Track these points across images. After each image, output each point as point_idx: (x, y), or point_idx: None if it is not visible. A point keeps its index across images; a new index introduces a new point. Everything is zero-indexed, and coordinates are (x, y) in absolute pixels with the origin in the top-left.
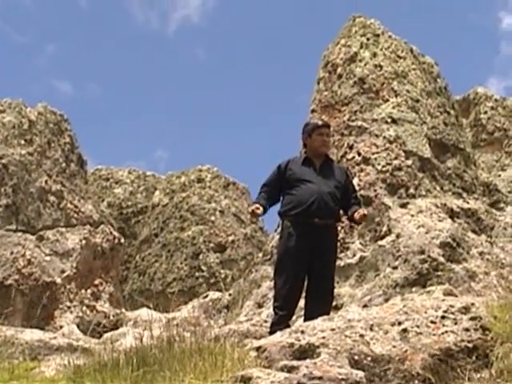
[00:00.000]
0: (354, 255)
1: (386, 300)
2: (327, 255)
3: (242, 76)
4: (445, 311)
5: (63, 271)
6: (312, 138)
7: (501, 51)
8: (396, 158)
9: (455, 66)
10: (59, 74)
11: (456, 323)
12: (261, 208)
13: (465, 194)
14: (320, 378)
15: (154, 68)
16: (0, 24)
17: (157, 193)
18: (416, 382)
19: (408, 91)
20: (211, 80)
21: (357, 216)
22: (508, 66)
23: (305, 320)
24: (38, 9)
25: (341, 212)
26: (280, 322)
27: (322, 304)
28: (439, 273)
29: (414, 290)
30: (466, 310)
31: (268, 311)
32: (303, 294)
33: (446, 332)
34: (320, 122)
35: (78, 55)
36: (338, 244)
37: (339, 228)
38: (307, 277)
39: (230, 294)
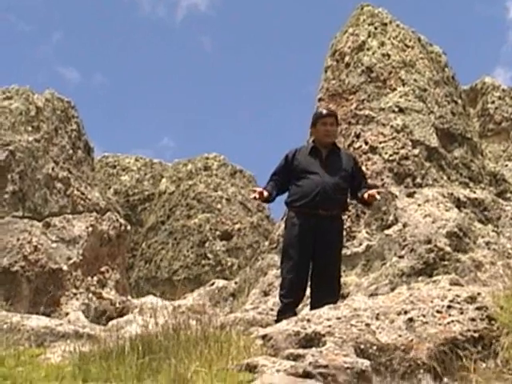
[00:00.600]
0: (361, 244)
1: (392, 289)
2: (332, 245)
3: (249, 64)
4: (451, 301)
5: (69, 258)
6: (316, 127)
7: (508, 41)
8: (403, 148)
9: (462, 55)
10: (65, 62)
11: (462, 313)
12: (265, 192)
13: (472, 184)
14: (326, 367)
15: (161, 57)
16: (5, 13)
17: (163, 180)
18: (421, 371)
19: (415, 80)
20: (218, 69)
21: (366, 195)
22: None
23: (311, 309)
24: None
25: (348, 201)
26: (286, 311)
27: (326, 293)
28: (445, 262)
29: (420, 279)
30: (472, 299)
31: (274, 299)
32: (309, 283)
33: (452, 322)
34: (324, 111)
35: (83, 43)
36: (345, 233)
37: (346, 217)
38: (312, 266)
39: (236, 282)
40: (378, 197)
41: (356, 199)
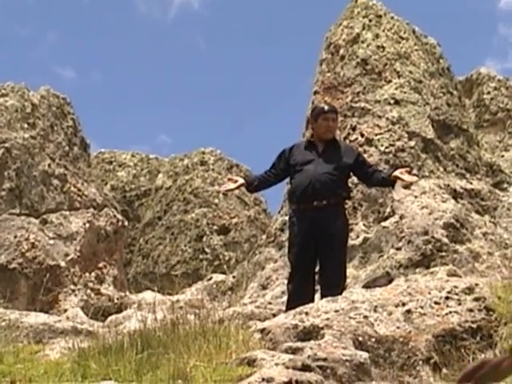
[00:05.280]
0: (358, 236)
1: (390, 281)
2: (332, 237)
3: (243, 60)
4: (449, 292)
5: (67, 254)
6: (318, 122)
7: (498, 32)
8: (399, 139)
9: (453, 47)
10: (61, 61)
11: (460, 304)
12: (239, 180)
13: (468, 175)
14: (324, 360)
15: (156, 54)
16: (2, 18)
17: (160, 176)
18: (420, 362)
19: (411, 72)
20: (212, 65)
21: (397, 173)
22: (505, 47)
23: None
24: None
25: (348, 190)
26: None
27: (329, 288)
28: (443, 254)
29: (417, 271)
30: (469, 290)
31: (272, 293)
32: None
33: (450, 313)
34: (326, 107)
35: (79, 42)
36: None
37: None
38: (318, 258)
39: (233, 277)
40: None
41: (377, 182)
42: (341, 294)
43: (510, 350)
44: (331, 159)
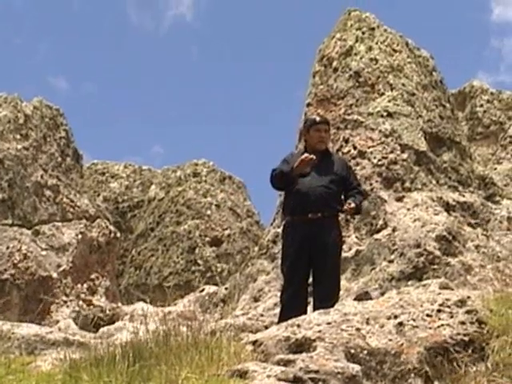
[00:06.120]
0: (350, 249)
1: (382, 294)
2: (326, 250)
3: (236, 72)
4: (441, 305)
5: (59, 266)
6: (310, 134)
7: (490, 45)
8: (392, 152)
9: (445, 60)
10: (54, 71)
11: (452, 316)
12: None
13: (460, 188)
14: (316, 372)
15: (149, 65)
16: None
17: (153, 187)
18: (412, 375)
19: (403, 85)
20: (205, 77)
21: (344, 208)
22: (497, 60)
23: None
24: (30, 9)
25: (341, 203)
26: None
27: (323, 300)
28: (435, 266)
29: (409, 283)
30: (461, 303)
31: (264, 305)
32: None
33: (442, 325)
34: (318, 119)
35: (72, 53)
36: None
37: None
38: (312, 270)
39: (226, 288)
40: (351, 206)
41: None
42: (334, 306)
43: None
44: (326, 172)
